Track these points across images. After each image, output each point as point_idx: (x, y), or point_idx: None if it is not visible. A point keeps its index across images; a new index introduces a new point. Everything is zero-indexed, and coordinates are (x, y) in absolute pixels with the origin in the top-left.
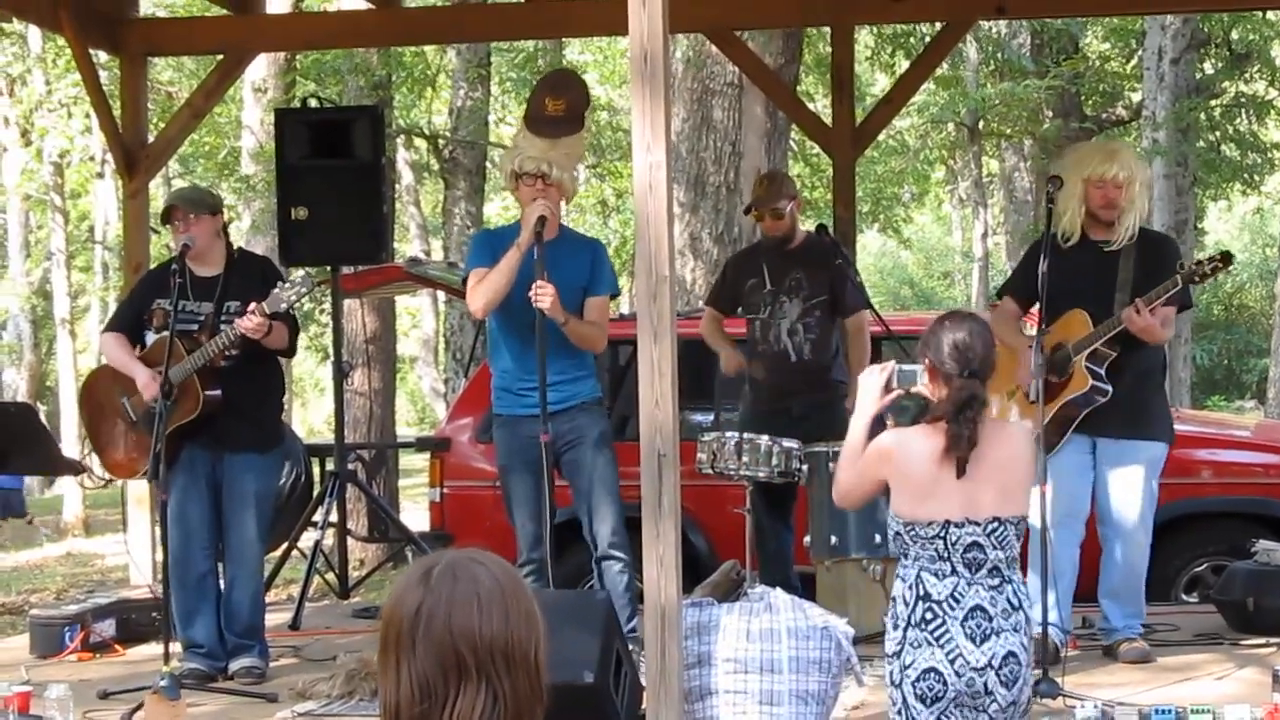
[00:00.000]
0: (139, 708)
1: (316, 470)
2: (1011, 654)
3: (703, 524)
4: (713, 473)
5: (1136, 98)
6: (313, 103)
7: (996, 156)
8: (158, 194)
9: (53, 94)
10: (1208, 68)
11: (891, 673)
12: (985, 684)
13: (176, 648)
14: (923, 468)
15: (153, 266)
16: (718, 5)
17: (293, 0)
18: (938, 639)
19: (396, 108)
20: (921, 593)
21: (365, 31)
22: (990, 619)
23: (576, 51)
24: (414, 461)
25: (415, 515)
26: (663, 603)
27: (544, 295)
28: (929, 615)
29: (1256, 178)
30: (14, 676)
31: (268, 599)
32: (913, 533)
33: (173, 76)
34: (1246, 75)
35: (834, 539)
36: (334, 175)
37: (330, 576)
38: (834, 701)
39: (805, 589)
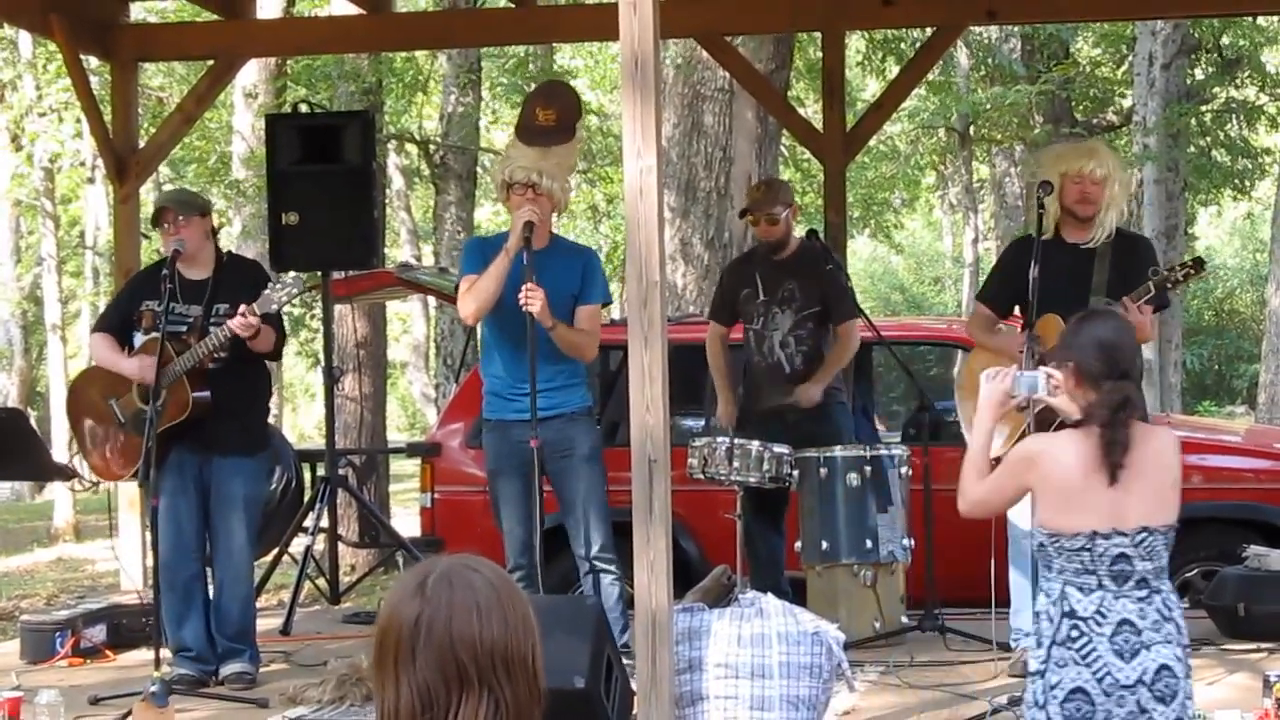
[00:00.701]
0: (129, 714)
1: (307, 475)
2: (1165, 667)
3: (694, 529)
4: (704, 478)
5: (1127, 103)
6: (303, 108)
7: (987, 162)
8: (148, 199)
9: (43, 99)
10: (1198, 73)
11: (1035, 693)
12: (1138, 702)
13: (167, 653)
14: (1072, 475)
15: (142, 268)
16: (708, 10)
17: (283, 6)
18: (1085, 657)
19: (387, 113)
20: (1066, 609)
21: (356, 37)
22: (1139, 633)
23: (567, 57)
24: (405, 467)
25: (406, 520)
26: (654, 608)
27: (534, 299)
28: (1074, 633)
29: (1247, 183)
30: (4, 682)
31: (259, 604)
32: (1058, 544)
33: (163, 82)
34: (1237, 80)
35: (825, 544)
36: (325, 180)
37: (321, 582)
38: (825, 707)
39: (796, 594)
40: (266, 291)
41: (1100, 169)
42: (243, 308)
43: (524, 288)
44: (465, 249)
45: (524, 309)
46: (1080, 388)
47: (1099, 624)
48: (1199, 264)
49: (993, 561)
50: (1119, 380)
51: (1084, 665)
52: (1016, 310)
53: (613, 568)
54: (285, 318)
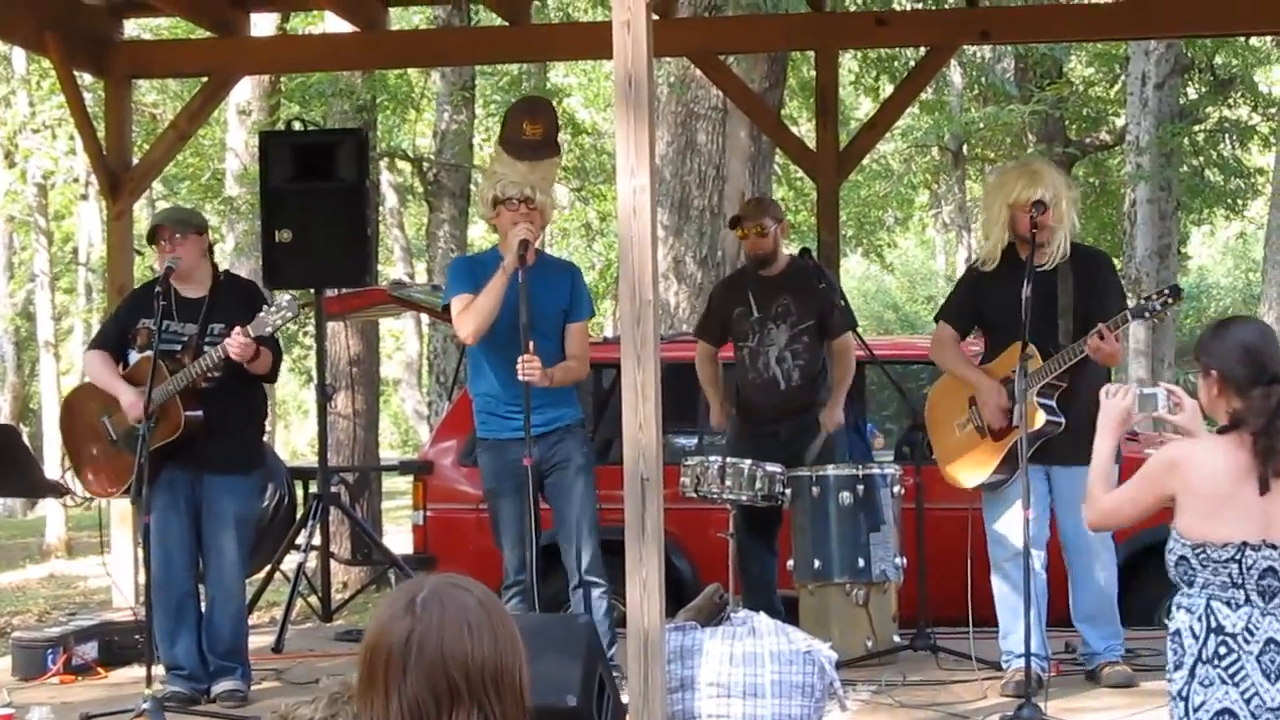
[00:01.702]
0: None
1: (300, 493)
2: None
3: (686, 548)
4: (696, 496)
5: (1120, 123)
6: (297, 125)
7: (980, 181)
8: (142, 216)
9: (37, 115)
10: (1191, 93)
11: (1177, 716)
12: None
13: (159, 670)
14: (1219, 483)
15: (138, 285)
16: (702, 30)
17: (277, 23)
18: (1233, 676)
19: (381, 130)
20: (1214, 624)
21: (350, 54)
22: None
23: (560, 74)
24: (397, 484)
25: (398, 538)
26: (646, 627)
27: (532, 370)
28: (1223, 649)
29: (1240, 203)
30: None
31: (251, 621)
32: (1203, 556)
33: (157, 99)
34: (1230, 101)
35: (817, 563)
36: (318, 198)
37: (313, 599)
38: None
39: (788, 613)
40: (261, 315)
41: (1048, 193)
42: (237, 330)
43: (521, 359)
44: (452, 269)
45: (522, 380)
46: (1223, 395)
47: (1247, 641)
48: (1176, 292)
49: (968, 581)
50: (1269, 384)
51: (1232, 685)
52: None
53: (601, 582)
54: (279, 336)
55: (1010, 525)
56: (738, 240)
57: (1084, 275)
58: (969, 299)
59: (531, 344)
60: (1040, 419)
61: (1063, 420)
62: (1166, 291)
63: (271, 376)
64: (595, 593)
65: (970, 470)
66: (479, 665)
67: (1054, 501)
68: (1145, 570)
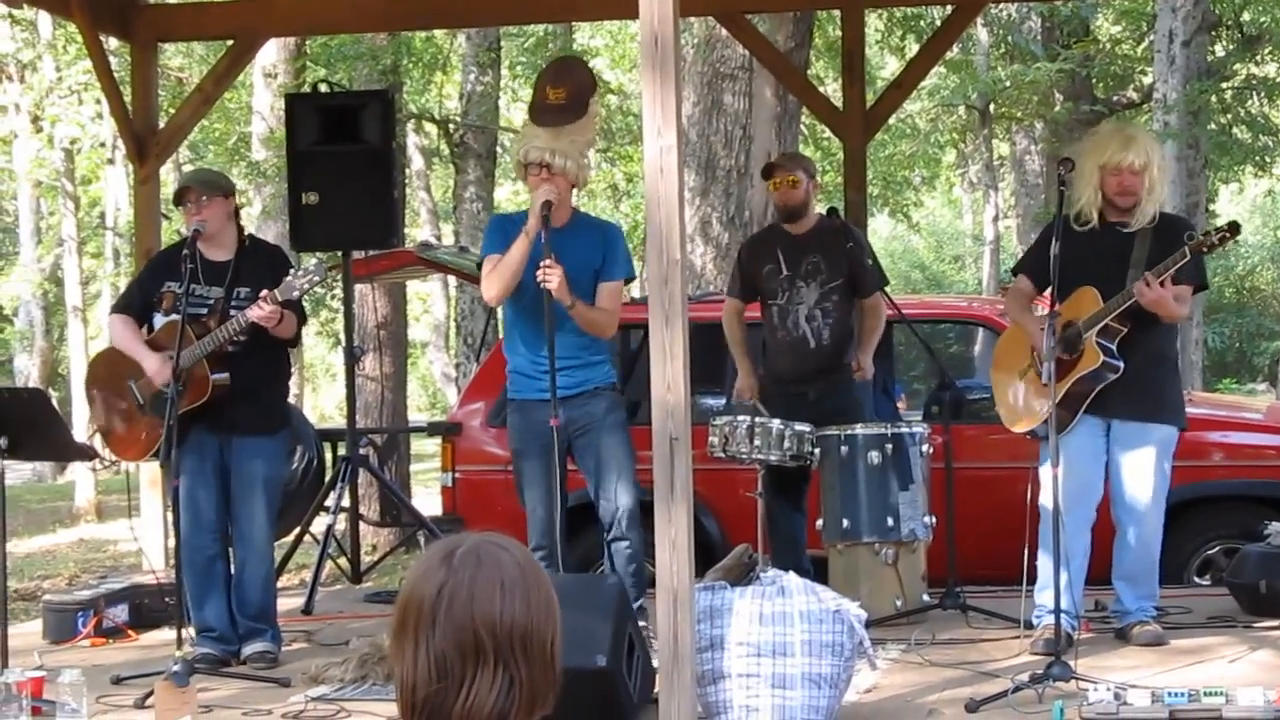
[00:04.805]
0: (150, 694)
1: (329, 455)
2: None
3: (715, 508)
4: (725, 456)
5: (1147, 80)
6: (323, 88)
7: (1007, 140)
8: (168, 180)
9: (63, 81)
10: (1219, 50)
11: None
12: None
13: (189, 633)
14: None
15: (163, 248)
16: None
17: None
18: None
19: (407, 92)
20: None
21: (375, 16)
22: None
23: (587, 36)
24: (426, 446)
25: (427, 500)
26: (675, 586)
27: (551, 275)
28: None
29: (1268, 160)
30: (27, 662)
31: (280, 584)
32: None
33: (183, 62)
34: (1258, 57)
35: (846, 522)
36: (344, 160)
37: (342, 561)
38: (847, 685)
39: (817, 572)
40: (288, 279)
41: (1139, 159)
42: (263, 294)
43: (541, 264)
44: (489, 227)
45: (541, 286)
46: None
47: None
48: (1235, 228)
49: (1026, 543)
50: None
51: None
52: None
53: (632, 534)
54: (305, 299)
55: (1047, 482)
56: (766, 195)
57: (1161, 236)
58: (1046, 253)
59: (554, 255)
60: (1098, 359)
61: (1121, 364)
62: (1225, 227)
63: (295, 340)
64: (624, 547)
65: (1025, 417)
66: (507, 626)
67: (1109, 455)
68: (1175, 529)
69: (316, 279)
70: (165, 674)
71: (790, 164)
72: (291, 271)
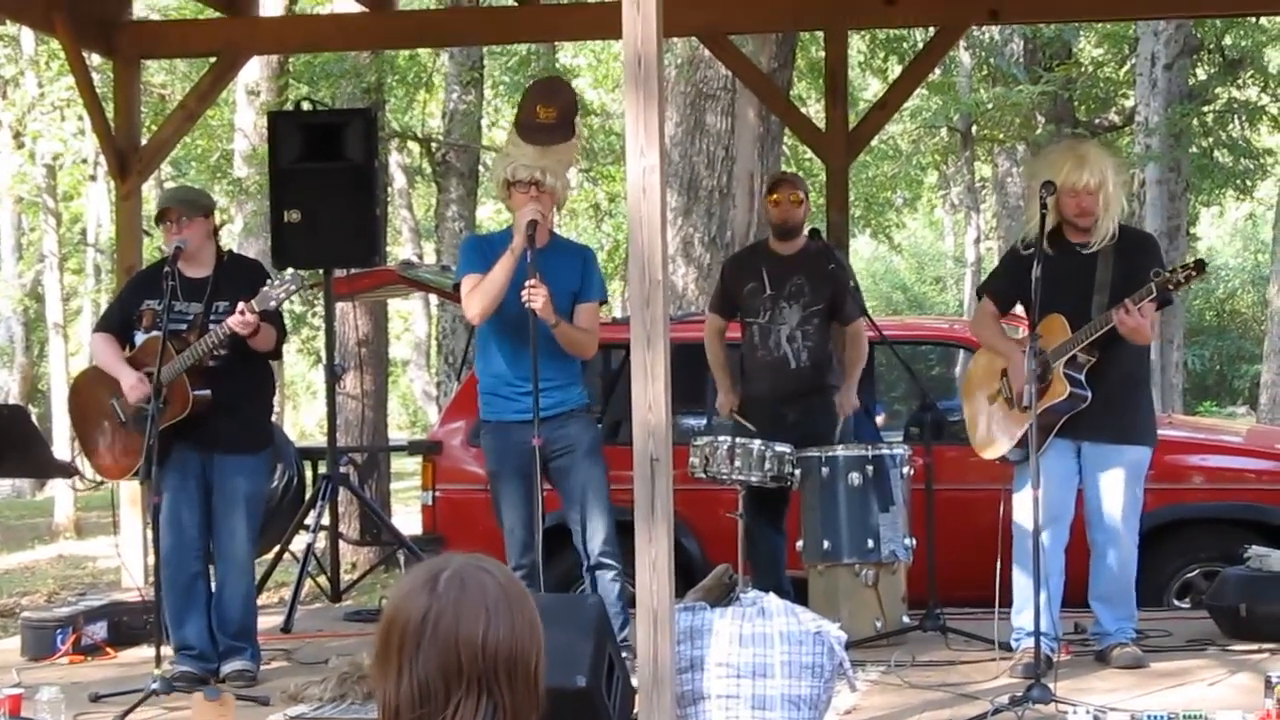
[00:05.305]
0: (128, 712)
1: (309, 473)
2: None
3: (695, 528)
4: (705, 477)
5: (1129, 103)
6: (306, 105)
7: (989, 162)
8: (150, 196)
9: (45, 96)
10: (1200, 73)
11: None
12: None
13: (168, 650)
14: None
15: (143, 267)
16: (711, 9)
17: (286, 3)
18: None
19: (389, 111)
20: None
21: (359, 34)
22: None
23: (570, 55)
24: (406, 465)
25: (407, 519)
26: (655, 607)
27: (537, 295)
28: None
29: (1249, 183)
30: (6, 679)
31: (260, 602)
32: None
33: (166, 79)
34: (1239, 81)
35: (826, 543)
36: (327, 178)
37: (322, 579)
38: (826, 706)
39: (797, 593)
40: (265, 289)
41: (1093, 178)
42: (241, 305)
43: (526, 284)
44: (464, 248)
45: (526, 306)
46: None
47: None
48: (1200, 266)
49: (998, 562)
50: None
51: None
52: (1020, 310)
53: (614, 563)
54: (287, 316)
55: (1026, 501)
56: (754, 213)
57: (1124, 254)
58: (1011, 275)
59: (538, 274)
60: (1065, 390)
61: (1088, 394)
62: (1191, 264)
63: (275, 354)
64: (608, 575)
65: (996, 442)
66: (492, 651)
67: (1082, 478)
68: (1155, 551)
69: (293, 289)
70: (146, 691)
71: (796, 182)
72: (269, 281)
